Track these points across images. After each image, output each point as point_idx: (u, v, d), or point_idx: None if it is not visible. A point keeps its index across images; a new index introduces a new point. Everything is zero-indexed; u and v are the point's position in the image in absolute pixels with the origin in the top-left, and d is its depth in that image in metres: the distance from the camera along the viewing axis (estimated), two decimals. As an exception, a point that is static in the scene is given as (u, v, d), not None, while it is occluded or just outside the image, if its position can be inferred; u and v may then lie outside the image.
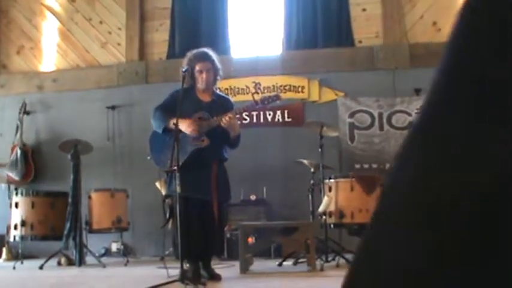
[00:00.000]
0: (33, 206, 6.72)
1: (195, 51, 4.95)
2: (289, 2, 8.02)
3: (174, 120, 4.45)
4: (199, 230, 4.56)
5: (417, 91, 7.29)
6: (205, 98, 4.87)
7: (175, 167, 4.29)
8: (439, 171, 0.57)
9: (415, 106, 7.26)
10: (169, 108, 4.66)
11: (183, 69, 4.65)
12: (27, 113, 8.30)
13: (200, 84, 4.83)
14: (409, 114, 7.31)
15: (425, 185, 0.58)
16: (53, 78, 8.52)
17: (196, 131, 4.62)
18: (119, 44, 8.42)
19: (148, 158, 4.98)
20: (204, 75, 4.80)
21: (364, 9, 7.91)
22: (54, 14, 8.70)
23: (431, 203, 0.56)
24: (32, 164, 8.06)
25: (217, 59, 4.92)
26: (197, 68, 4.81)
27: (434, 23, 7.67)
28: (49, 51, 8.70)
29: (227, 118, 4.60)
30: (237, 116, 4.94)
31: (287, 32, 8.01)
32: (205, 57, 4.86)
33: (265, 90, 7.66)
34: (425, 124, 0.61)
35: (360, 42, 7.87)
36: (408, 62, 7.58)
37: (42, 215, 6.71)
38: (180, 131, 4.51)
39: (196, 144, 4.65)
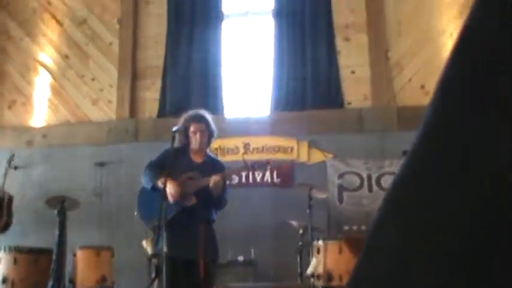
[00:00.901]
0: (15, 262, 6.57)
1: (191, 112, 5.02)
2: (279, 64, 8.14)
3: (163, 180, 4.46)
4: (186, 291, 4.49)
5: (405, 153, 7.33)
6: (198, 158, 4.90)
7: (162, 225, 4.26)
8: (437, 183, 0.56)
9: (403, 168, 7.29)
10: (161, 166, 4.68)
11: (174, 129, 4.68)
12: (15, 167, 8.24)
13: (194, 144, 4.87)
14: (398, 177, 7.33)
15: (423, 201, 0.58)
16: (42, 133, 8.52)
17: (176, 198, 4.60)
18: (109, 102, 8.47)
19: (135, 213, 4.95)
20: (198, 136, 4.84)
21: (353, 72, 8.06)
22: (47, 70, 8.78)
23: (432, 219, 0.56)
24: (4, 212, 7.75)
25: (212, 121, 4.97)
26: (192, 128, 4.86)
27: (422, 86, 7.81)
28: (40, 106, 8.74)
29: (213, 180, 4.62)
30: (227, 176, 4.96)
31: (276, 93, 8.11)
32: (200, 119, 4.92)
33: (255, 151, 7.69)
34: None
35: (349, 103, 7.98)
36: (396, 124, 7.67)
37: (24, 272, 6.56)
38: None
39: (183, 203, 4.64)
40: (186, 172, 4.73)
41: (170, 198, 4.58)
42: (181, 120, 4.92)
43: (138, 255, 6.66)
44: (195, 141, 4.85)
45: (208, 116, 4.98)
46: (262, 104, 8.27)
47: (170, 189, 4.58)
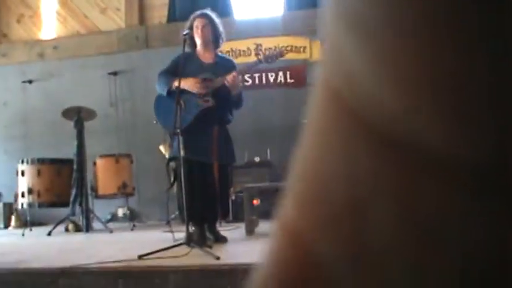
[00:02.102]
0: (39, 173, 6.76)
1: (196, 12, 4.93)
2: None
3: (178, 80, 4.43)
4: (203, 192, 4.57)
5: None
6: (208, 59, 4.82)
7: (178, 128, 4.29)
8: None
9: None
10: (173, 73, 4.64)
11: (184, 33, 4.61)
12: (30, 81, 8.29)
13: (199, 42, 4.78)
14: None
15: None
16: (53, 45, 8.47)
17: (202, 88, 4.60)
18: (118, 9, 8.34)
19: (155, 122, 4.99)
20: (199, 31, 4.74)
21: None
22: (52, -20, 8.61)
23: None
24: None
25: (218, 21, 4.86)
26: (195, 25, 4.77)
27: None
28: (49, 18, 8.64)
29: (231, 77, 4.58)
30: (241, 76, 4.94)
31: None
32: (202, 14, 4.82)
33: (267, 52, 7.59)
34: None
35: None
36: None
37: (48, 183, 6.76)
38: (183, 91, 4.48)
39: (201, 105, 4.63)
40: (198, 75, 4.69)
41: (199, 91, 4.59)
42: (187, 23, 4.84)
43: (156, 160, 6.80)
44: (198, 36, 4.76)
45: (213, 14, 4.88)
46: (273, 4, 8.09)
47: (191, 85, 4.58)
